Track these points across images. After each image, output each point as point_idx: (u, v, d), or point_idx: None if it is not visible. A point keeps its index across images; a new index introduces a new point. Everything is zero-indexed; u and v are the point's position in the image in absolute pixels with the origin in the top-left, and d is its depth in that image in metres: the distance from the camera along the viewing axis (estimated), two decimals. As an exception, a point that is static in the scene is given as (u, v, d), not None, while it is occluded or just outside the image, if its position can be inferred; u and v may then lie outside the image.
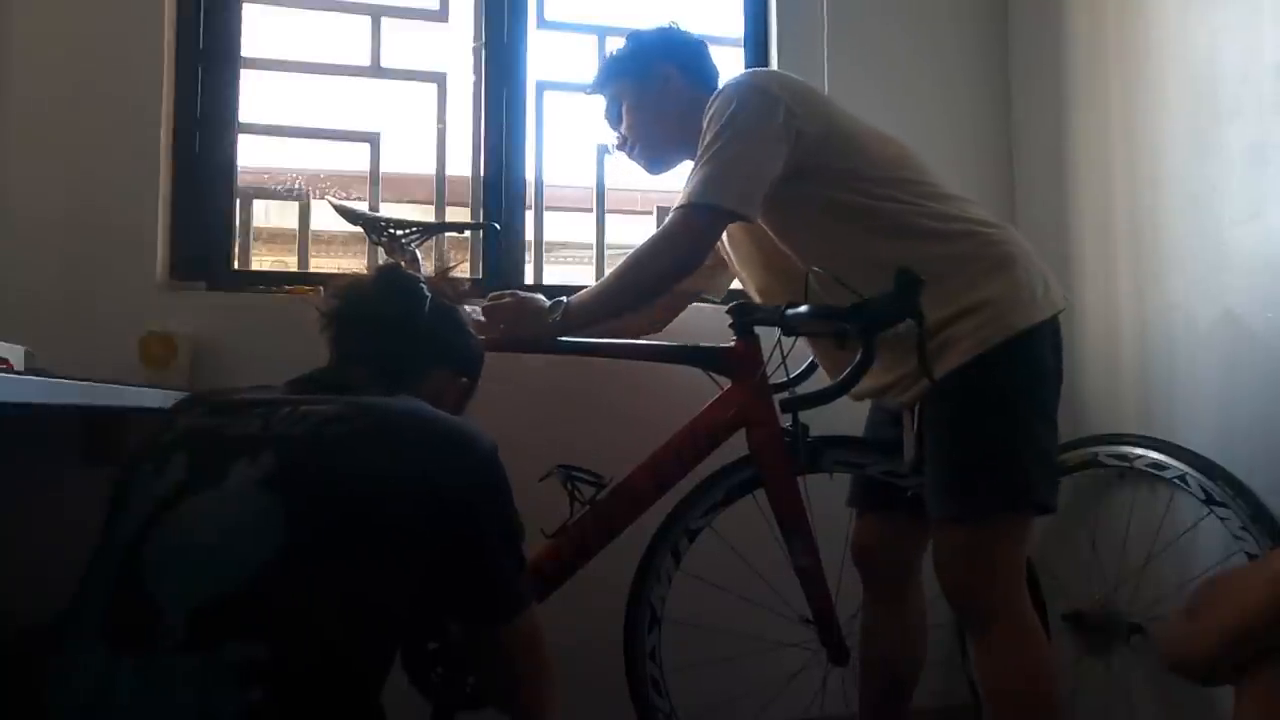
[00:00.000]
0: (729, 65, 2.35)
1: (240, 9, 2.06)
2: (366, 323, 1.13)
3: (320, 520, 0.88)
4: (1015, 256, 1.47)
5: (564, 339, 1.67)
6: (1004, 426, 1.41)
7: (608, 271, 2.23)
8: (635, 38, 1.70)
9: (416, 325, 1.13)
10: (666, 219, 1.50)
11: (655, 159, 1.70)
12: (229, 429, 0.95)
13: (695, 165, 1.48)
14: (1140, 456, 1.84)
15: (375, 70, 2.14)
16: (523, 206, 2.18)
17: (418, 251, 1.68)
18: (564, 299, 1.54)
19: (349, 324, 1.13)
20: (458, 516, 0.95)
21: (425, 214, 2.19)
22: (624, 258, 1.53)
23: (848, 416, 1.64)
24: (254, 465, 0.90)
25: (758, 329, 1.55)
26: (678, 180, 1.81)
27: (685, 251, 1.48)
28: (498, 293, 1.61)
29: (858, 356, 1.37)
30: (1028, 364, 1.43)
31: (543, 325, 1.54)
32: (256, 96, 2.07)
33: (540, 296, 1.58)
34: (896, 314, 1.37)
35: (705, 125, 1.49)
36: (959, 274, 1.43)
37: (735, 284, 2.31)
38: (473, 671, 0.97)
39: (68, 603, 0.90)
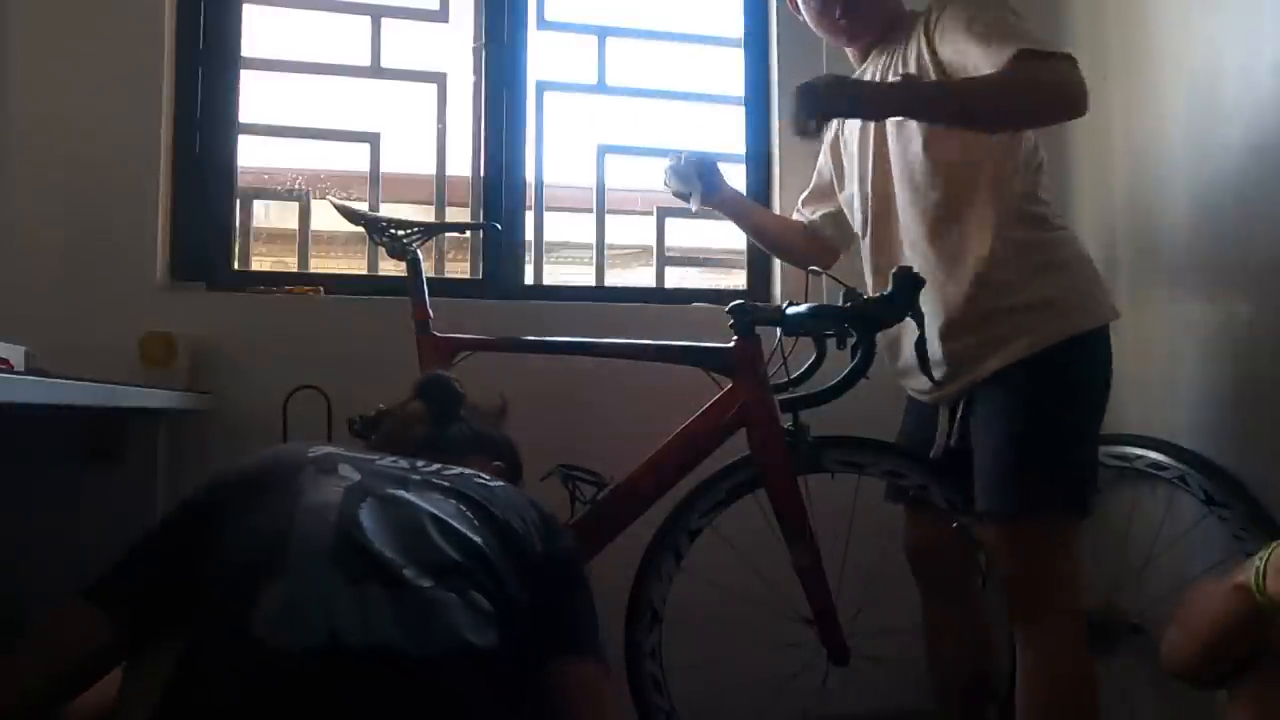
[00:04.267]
0: (729, 65, 2.36)
1: (240, 9, 2.05)
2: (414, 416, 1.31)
3: (494, 525, 1.02)
4: (1083, 258, 1.50)
5: (562, 338, 1.67)
6: (1061, 424, 1.42)
7: (607, 272, 2.26)
8: None
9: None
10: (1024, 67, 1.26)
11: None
12: (378, 463, 1.07)
13: (985, 41, 1.32)
14: (1140, 456, 1.84)
15: (375, 70, 2.14)
16: (523, 206, 2.18)
17: (419, 251, 1.68)
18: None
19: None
20: (563, 554, 1.10)
21: (425, 214, 2.19)
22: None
23: (849, 416, 1.64)
24: (424, 482, 1.03)
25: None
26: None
27: (1071, 97, 1.28)
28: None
29: (857, 357, 1.37)
30: (1087, 365, 1.45)
31: (874, 90, 1.42)
32: (256, 96, 2.07)
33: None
34: (895, 314, 1.37)
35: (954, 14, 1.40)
36: (1028, 265, 1.43)
37: (739, 283, 2.33)
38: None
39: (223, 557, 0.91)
